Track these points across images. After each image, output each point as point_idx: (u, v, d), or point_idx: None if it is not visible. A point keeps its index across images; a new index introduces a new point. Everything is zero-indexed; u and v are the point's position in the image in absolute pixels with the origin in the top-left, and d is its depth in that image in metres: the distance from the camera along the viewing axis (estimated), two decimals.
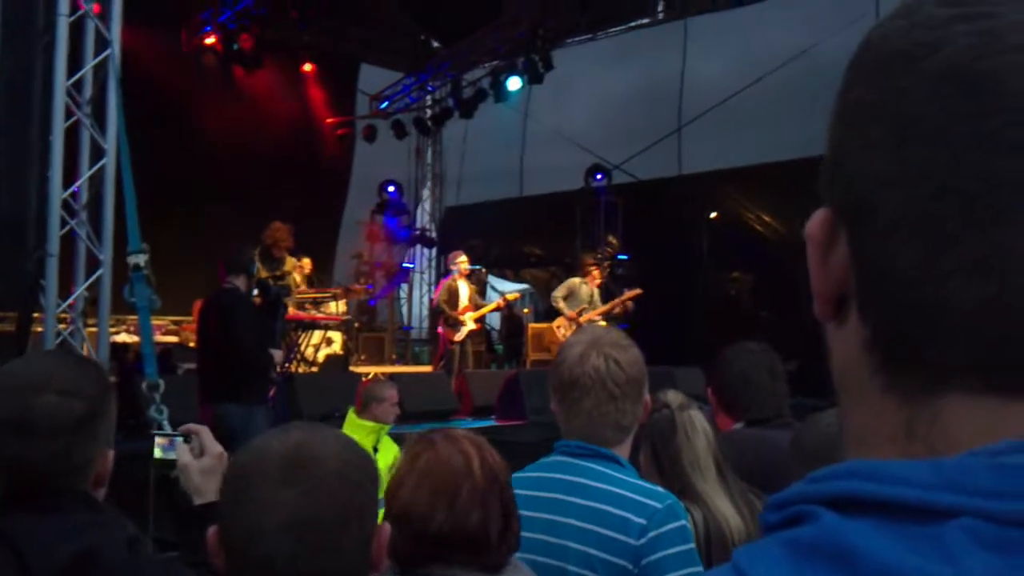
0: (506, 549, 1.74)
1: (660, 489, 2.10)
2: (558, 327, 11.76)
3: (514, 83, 15.93)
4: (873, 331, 0.55)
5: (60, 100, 6.11)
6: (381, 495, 1.58)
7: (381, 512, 1.61)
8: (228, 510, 1.31)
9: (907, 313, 0.53)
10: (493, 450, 1.81)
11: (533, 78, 15.65)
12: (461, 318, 11.43)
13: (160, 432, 2.14)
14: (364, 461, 1.37)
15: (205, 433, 2.08)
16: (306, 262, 11.34)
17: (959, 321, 0.51)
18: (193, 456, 2.03)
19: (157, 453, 2.11)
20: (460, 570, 1.68)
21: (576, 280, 12.01)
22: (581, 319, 11.41)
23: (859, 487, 0.49)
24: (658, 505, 2.00)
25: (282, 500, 1.26)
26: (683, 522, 2.01)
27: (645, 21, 16.04)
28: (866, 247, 0.55)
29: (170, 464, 2.06)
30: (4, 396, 1.67)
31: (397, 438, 5.92)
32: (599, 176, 16.34)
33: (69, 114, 6.24)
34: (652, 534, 1.95)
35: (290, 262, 9.65)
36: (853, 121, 0.56)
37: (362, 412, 5.62)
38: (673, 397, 2.55)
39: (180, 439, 2.07)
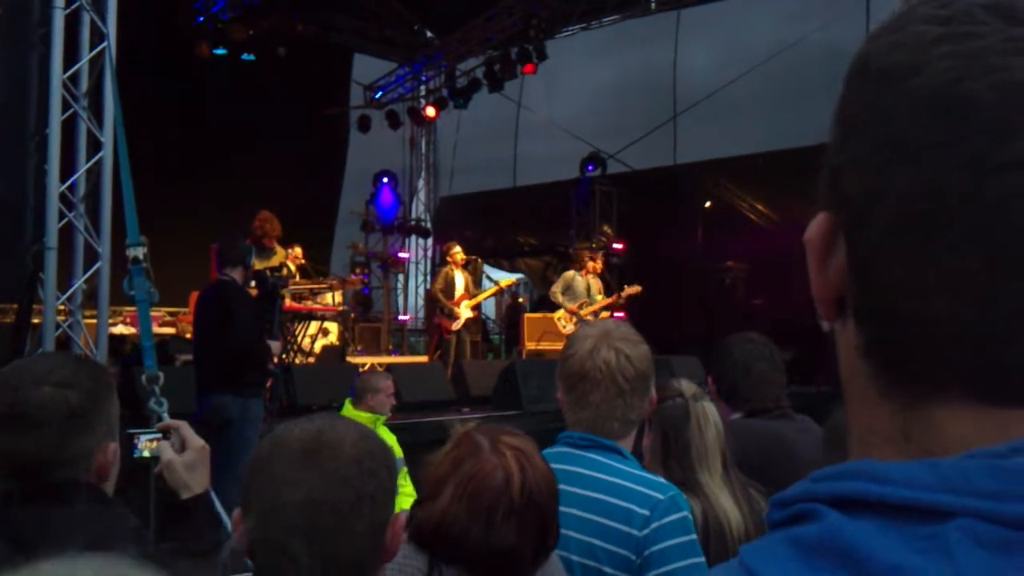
0: (539, 561, 1.76)
1: (663, 480, 2.13)
2: (559, 319, 11.79)
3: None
4: (867, 339, 0.57)
5: (57, 93, 6.10)
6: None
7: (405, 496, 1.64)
8: (250, 492, 1.36)
9: (895, 326, 0.54)
10: (539, 460, 1.80)
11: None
12: (456, 309, 11.47)
13: (137, 430, 2.15)
14: (381, 451, 1.41)
15: (185, 428, 2.11)
16: (297, 250, 11.32)
17: (944, 335, 0.52)
18: (175, 451, 2.05)
19: (136, 451, 2.12)
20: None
21: (572, 273, 12.00)
22: (582, 313, 11.44)
23: (862, 488, 0.51)
24: (661, 496, 2.02)
25: (299, 482, 1.31)
26: (685, 513, 2.03)
27: (638, 11, 16.00)
28: (859, 258, 0.56)
29: (152, 461, 2.08)
30: (3, 390, 1.71)
31: (394, 428, 5.96)
32: (591, 167, 16.36)
33: (66, 107, 6.23)
34: (655, 525, 1.97)
35: (281, 252, 9.62)
36: (847, 136, 0.57)
37: (358, 403, 5.65)
38: (687, 387, 2.56)
39: (159, 436, 2.09)
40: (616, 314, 11.82)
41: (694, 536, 2.03)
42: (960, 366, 0.52)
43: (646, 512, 1.99)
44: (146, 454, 2.09)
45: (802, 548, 0.51)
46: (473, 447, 1.77)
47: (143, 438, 2.10)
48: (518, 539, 1.69)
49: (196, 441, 2.07)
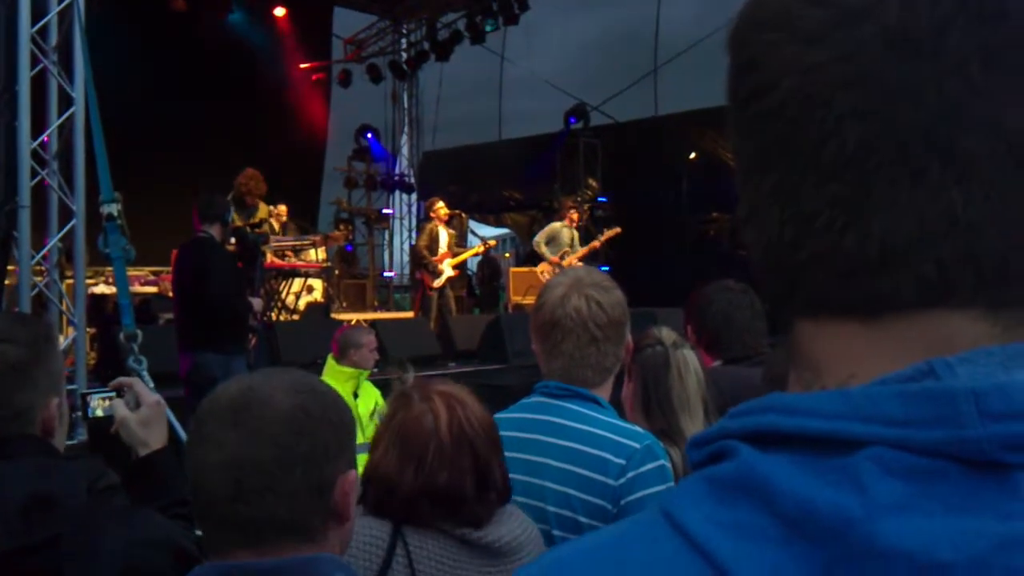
0: (487, 503, 1.75)
1: (639, 429, 2.09)
2: (541, 272, 11.76)
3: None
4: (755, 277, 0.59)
5: (25, 48, 5.98)
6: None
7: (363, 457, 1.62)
8: (188, 452, 1.34)
9: (753, 257, 0.57)
10: (474, 404, 1.81)
11: (508, 19, 15.43)
12: (439, 266, 11.42)
13: (91, 390, 2.12)
14: (324, 408, 1.34)
15: (138, 384, 2.08)
16: (282, 209, 11.23)
17: (762, 259, 0.56)
18: (129, 409, 2.02)
19: (90, 411, 2.09)
20: (440, 524, 1.71)
21: (557, 224, 11.99)
22: (564, 263, 11.41)
23: (773, 420, 0.50)
24: (637, 445, 1.99)
25: (224, 440, 1.28)
26: (662, 462, 2.00)
27: None
28: None
29: (107, 420, 2.04)
30: None
31: (378, 383, 5.93)
32: (572, 120, 16.26)
33: (35, 62, 6.11)
34: (631, 474, 1.95)
35: (264, 209, 9.54)
36: None
37: (341, 359, 5.61)
38: (667, 335, 2.54)
39: (112, 394, 2.06)
40: (601, 266, 11.80)
41: (672, 484, 2.00)
42: (782, 284, 0.55)
43: (622, 461, 1.96)
44: (99, 413, 2.06)
45: (717, 486, 0.50)
46: (404, 400, 1.80)
47: (95, 397, 2.07)
48: (452, 479, 1.70)
49: (150, 397, 2.04)
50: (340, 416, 1.36)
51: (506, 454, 1.87)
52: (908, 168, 0.49)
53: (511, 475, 1.91)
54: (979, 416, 0.45)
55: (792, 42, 0.52)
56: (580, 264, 11.33)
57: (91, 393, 2.09)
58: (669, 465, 2.05)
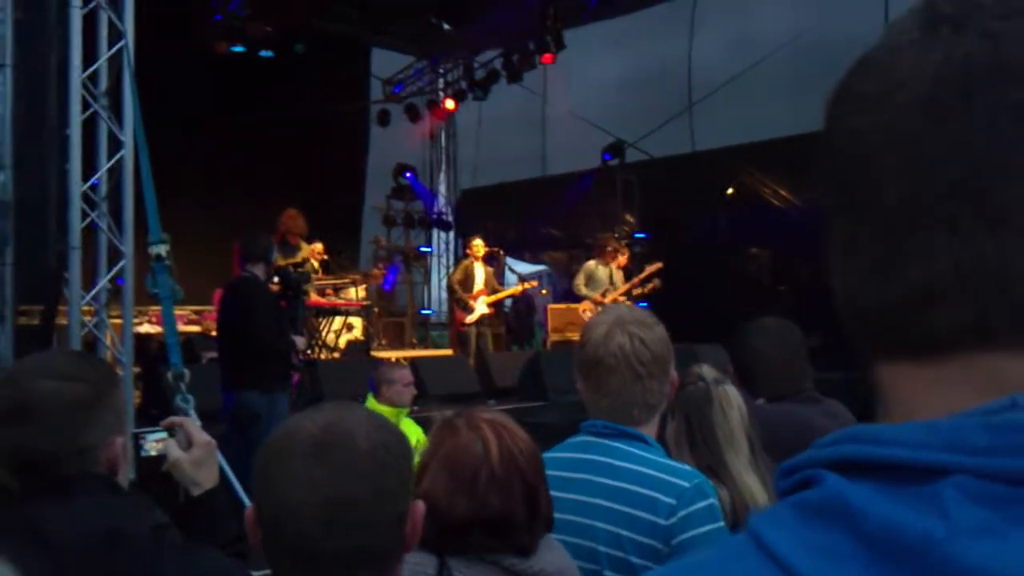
0: (536, 531, 1.75)
1: (688, 468, 2.09)
2: (583, 311, 11.71)
3: None
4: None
5: (76, 93, 6.13)
6: None
7: None
8: (262, 489, 1.32)
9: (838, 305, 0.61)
10: (519, 431, 1.82)
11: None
12: (471, 302, 11.45)
13: (142, 429, 2.15)
14: (397, 441, 1.36)
15: (189, 424, 2.10)
16: (318, 247, 11.33)
17: (843, 305, 0.59)
18: (181, 449, 2.04)
19: (143, 451, 2.12)
20: (488, 554, 1.71)
21: (592, 263, 11.95)
22: (606, 300, 11.36)
23: (859, 450, 0.53)
24: (686, 484, 1.98)
25: (315, 478, 1.27)
26: (712, 500, 2.00)
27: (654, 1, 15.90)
28: None
29: (156, 459, 2.07)
30: (7, 386, 1.73)
31: (420, 420, 5.93)
32: (607, 157, 16.29)
33: (86, 106, 6.26)
34: (681, 514, 1.94)
35: (306, 249, 9.65)
36: None
37: (378, 396, 5.61)
38: (708, 371, 2.55)
39: (165, 435, 2.08)
40: (640, 303, 11.77)
41: (722, 524, 1.99)
42: (855, 328, 0.59)
43: (672, 501, 1.96)
44: (153, 453, 2.09)
45: (804, 511, 0.53)
46: (451, 429, 1.80)
47: (149, 437, 2.10)
48: (505, 505, 1.70)
49: (202, 437, 2.06)
50: (409, 449, 1.39)
51: (555, 494, 1.87)
52: (943, 220, 0.53)
53: (560, 515, 1.91)
54: None
55: (849, 112, 0.58)
56: (624, 300, 11.31)
57: (143, 432, 2.12)
58: (718, 504, 2.04)
